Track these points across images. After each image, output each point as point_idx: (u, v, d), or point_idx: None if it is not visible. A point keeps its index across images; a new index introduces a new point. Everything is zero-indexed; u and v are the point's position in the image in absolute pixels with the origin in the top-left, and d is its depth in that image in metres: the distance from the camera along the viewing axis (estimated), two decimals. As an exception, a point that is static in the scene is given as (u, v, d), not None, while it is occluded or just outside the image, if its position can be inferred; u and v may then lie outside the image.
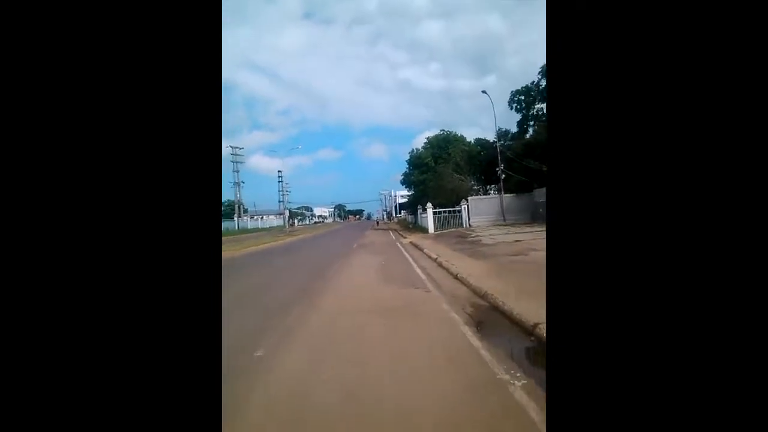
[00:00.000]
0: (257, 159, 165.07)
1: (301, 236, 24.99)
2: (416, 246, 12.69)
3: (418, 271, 7.61)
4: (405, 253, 11.05)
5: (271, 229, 42.03)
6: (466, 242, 12.06)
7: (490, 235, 13.56)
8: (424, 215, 21.91)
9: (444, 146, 28.65)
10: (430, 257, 9.44)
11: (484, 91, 21.67)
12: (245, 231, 38.65)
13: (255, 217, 53.90)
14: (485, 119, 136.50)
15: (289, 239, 21.97)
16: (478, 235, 13.89)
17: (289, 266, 9.66)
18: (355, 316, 4.26)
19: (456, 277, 6.40)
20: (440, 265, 7.96)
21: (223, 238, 25.09)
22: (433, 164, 27.73)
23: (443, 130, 30.61)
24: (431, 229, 19.64)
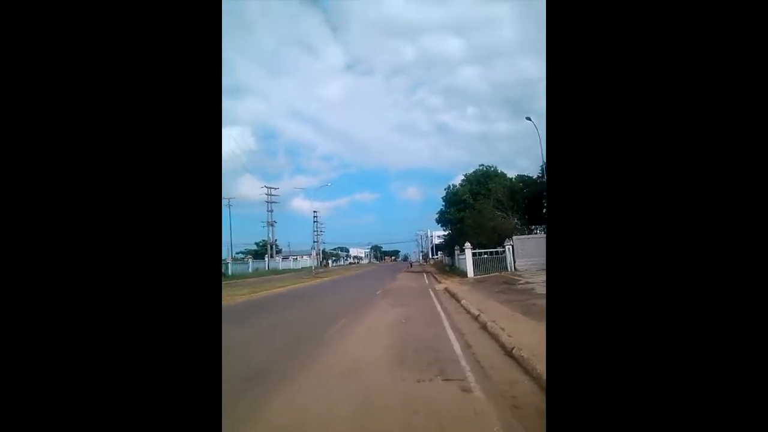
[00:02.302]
0: (298, 202, 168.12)
1: (326, 279, 22.93)
2: (452, 295, 10.26)
3: (453, 337, 5.29)
4: (437, 306, 8.69)
5: (302, 269, 40.51)
6: (515, 291, 9.54)
7: (544, 282, 10.86)
8: (461, 257, 19.29)
9: (483, 182, 26.15)
10: (469, 312, 7.08)
11: (528, 118, 19.42)
12: (275, 272, 37.60)
13: (289, 257, 52.83)
14: (524, 161, 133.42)
15: (311, 282, 19.95)
16: (528, 282, 11.24)
17: (272, 326, 7.45)
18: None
19: (510, 354, 4.09)
20: (484, 327, 5.62)
21: (245, 279, 24.64)
22: (471, 201, 25.15)
23: (482, 165, 28.29)
24: (470, 272, 16.99)
